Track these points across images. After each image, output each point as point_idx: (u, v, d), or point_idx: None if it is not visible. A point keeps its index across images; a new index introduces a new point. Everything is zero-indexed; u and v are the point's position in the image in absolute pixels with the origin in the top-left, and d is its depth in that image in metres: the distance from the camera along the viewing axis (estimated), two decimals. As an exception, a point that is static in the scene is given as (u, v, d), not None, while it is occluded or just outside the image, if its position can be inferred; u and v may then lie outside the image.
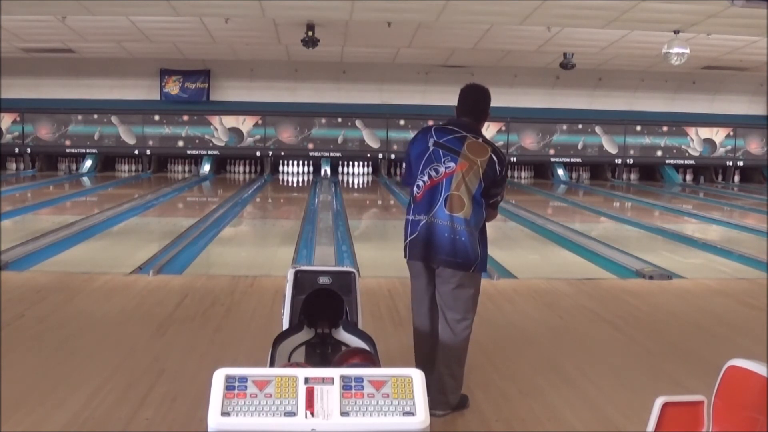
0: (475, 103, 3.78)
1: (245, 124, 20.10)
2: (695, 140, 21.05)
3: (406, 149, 3.90)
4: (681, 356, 4.66)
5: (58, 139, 19.82)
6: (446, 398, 3.62)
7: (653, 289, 6.62)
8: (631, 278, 7.16)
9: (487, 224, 3.75)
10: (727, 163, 21.24)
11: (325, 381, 2.24)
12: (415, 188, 3.71)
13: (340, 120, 20.15)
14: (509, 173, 20.09)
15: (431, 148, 3.68)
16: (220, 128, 20.03)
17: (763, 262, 7.89)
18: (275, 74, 19.26)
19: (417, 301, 3.85)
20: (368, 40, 15.34)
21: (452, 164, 3.61)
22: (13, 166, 20.00)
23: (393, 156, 20.07)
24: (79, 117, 19.76)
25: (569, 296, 6.25)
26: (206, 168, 19.97)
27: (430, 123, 4.27)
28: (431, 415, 3.59)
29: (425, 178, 3.65)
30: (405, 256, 3.78)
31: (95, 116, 19.78)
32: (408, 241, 3.72)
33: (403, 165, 3.96)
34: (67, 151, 19.95)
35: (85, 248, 8.85)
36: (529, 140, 20.64)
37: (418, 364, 3.66)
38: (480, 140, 3.67)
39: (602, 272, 7.73)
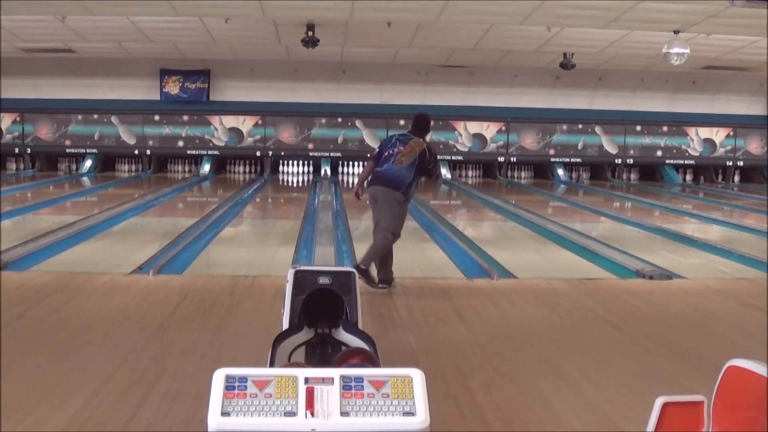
0: (423, 124, 6.62)
1: (245, 124, 20.10)
2: (695, 140, 21.06)
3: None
4: (681, 356, 4.66)
5: (58, 139, 19.83)
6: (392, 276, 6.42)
7: (653, 289, 6.62)
8: (631, 278, 7.16)
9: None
10: (727, 163, 21.24)
11: (325, 381, 2.24)
12: (380, 157, 6.49)
13: (340, 120, 20.15)
14: (509, 173, 20.46)
15: (393, 140, 6.57)
16: (220, 128, 20.03)
17: (763, 262, 7.88)
18: (275, 74, 19.26)
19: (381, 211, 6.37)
20: (368, 40, 15.34)
21: (402, 147, 6.43)
22: (13, 166, 20.00)
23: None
24: (79, 117, 19.77)
25: (569, 296, 6.25)
26: (206, 168, 19.97)
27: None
28: (382, 288, 6.10)
29: (386, 153, 6.45)
30: (369, 185, 6.46)
31: (95, 116, 19.79)
32: (371, 178, 6.48)
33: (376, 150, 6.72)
34: (67, 151, 19.96)
35: (85, 248, 8.85)
36: (529, 140, 20.64)
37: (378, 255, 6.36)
38: (420, 140, 6.46)
39: (602, 272, 7.72)
